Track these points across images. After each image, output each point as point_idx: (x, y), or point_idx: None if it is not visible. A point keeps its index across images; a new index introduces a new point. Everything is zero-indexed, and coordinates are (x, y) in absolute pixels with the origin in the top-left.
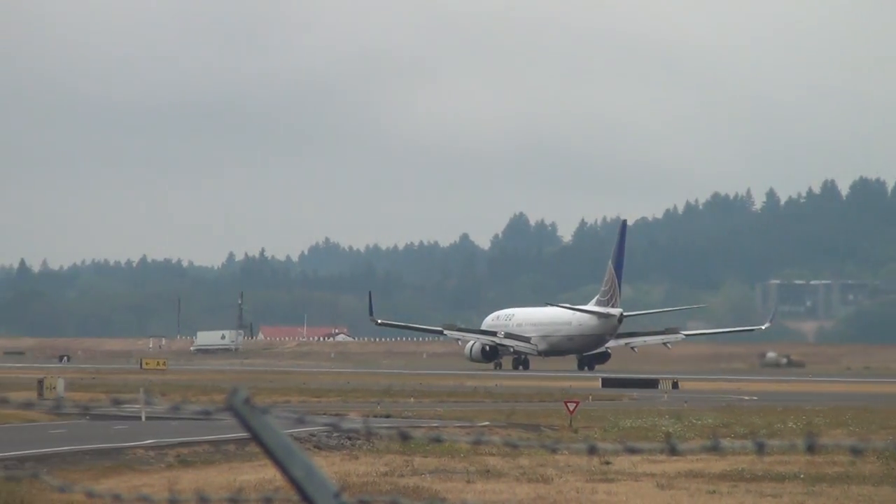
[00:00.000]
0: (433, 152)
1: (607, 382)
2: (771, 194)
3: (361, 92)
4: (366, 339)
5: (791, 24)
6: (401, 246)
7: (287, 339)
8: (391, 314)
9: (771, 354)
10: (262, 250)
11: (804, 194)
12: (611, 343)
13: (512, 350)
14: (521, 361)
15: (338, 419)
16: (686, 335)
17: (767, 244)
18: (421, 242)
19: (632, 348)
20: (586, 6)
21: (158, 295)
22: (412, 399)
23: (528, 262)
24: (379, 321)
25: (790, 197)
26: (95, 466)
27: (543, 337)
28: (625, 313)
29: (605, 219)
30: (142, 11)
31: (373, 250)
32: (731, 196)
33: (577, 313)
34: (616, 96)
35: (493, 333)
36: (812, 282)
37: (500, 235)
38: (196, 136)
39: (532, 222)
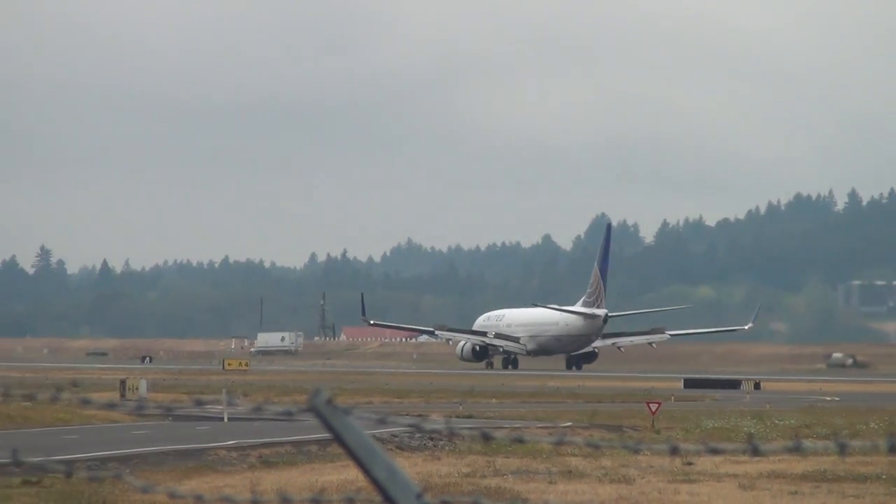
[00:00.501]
0: (515, 153)
1: (689, 383)
2: (853, 195)
3: (444, 92)
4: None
5: (874, 25)
6: (483, 247)
7: (369, 339)
8: (473, 315)
9: (836, 355)
10: (345, 251)
11: (886, 194)
12: (598, 343)
13: (501, 350)
14: (510, 361)
15: (420, 420)
16: (671, 335)
17: (849, 245)
18: (503, 243)
19: (618, 348)
20: (668, 4)
21: (241, 295)
22: (494, 399)
23: (610, 262)
24: (371, 321)
25: (872, 197)
26: (178, 467)
27: (532, 337)
28: (610, 314)
29: (687, 219)
30: (228, 12)
31: (455, 251)
32: (814, 196)
33: (564, 314)
34: (699, 96)
35: (484, 334)
36: (894, 282)
37: (583, 236)
38: (278, 137)
39: (614, 223)
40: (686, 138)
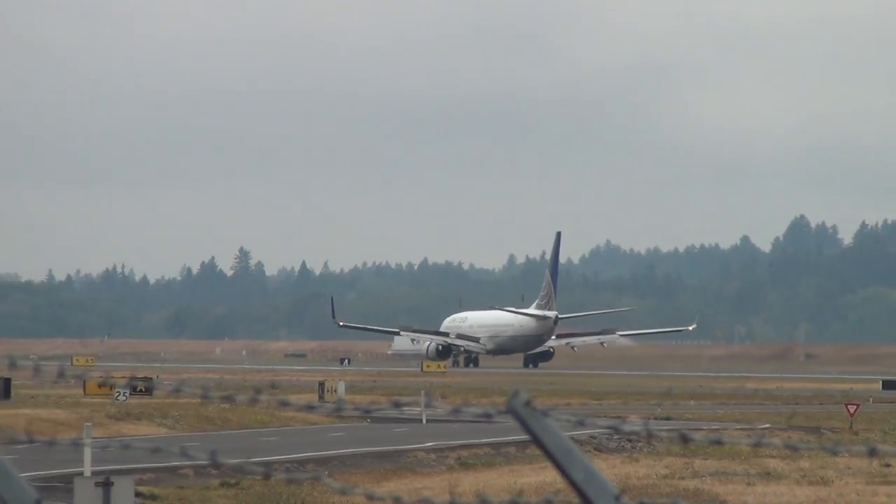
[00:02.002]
0: (714, 153)
1: (888, 385)
2: None
3: (642, 94)
4: (646, 341)
5: None
6: (681, 248)
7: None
8: (670, 317)
9: None
10: (543, 253)
11: None
12: (554, 342)
13: (462, 349)
14: (471, 359)
15: (618, 422)
16: (621, 335)
17: None
18: (702, 245)
19: (572, 347)
20: (870, 6)
21: (439, 297)
22: (692, 401)
23: (808, 264)
24: (340, 323)
25: None
26: (376, 469)
27: (491, 337)
28: (560, 316)
29: (885, 221)
30: (421, 13)
31: (653, 253)
32: None
33: (519, 316)
34: None
35: (447, 334)
36: None
37: (781, 238)
38: (475, 138)
39: (813, 224)
40: (885, 139)
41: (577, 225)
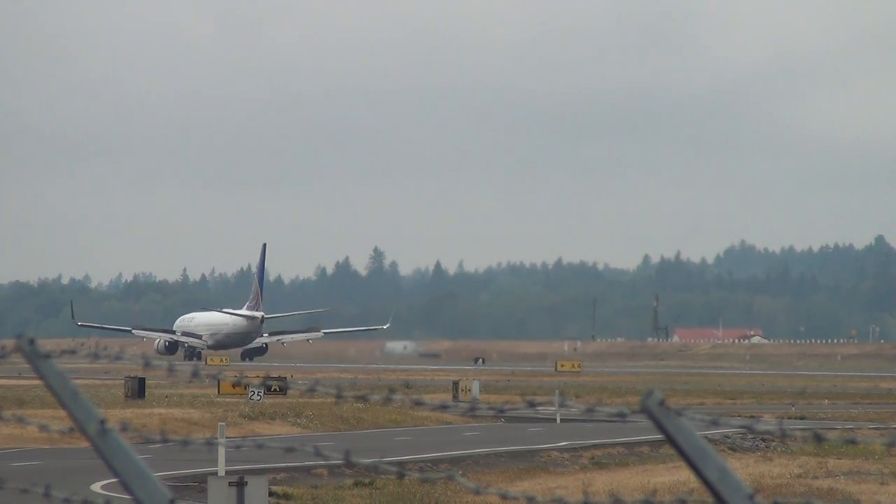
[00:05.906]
0: (849, 152)
1: None
2: None
3: (776, 93)
4: (781, 340)
5: None
6: (816, 248)
7: (701, 341)
8: (804, 317)
9: None
10: (678, 252)
11: None
12: (267, 339)
13: (186, 345)
14: (195, 354)
15: (752, 421)
16: (325, 333)
17: None
18: (836, 244)
19: (282, 344)
20: None
21: (573, 297)
22: (826, 401)
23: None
24: (80, 323)
25: None
26: (510, 468)
27: (211, 335)
28: (266, 315)
29: None
30: (558, 13)
31: (788, 252)
32: None
33: (233, 316)
34: None
35: (175, 332)
36: None
37: None
38: (609, 136)
39: None
40: None
41: (711, 224)
